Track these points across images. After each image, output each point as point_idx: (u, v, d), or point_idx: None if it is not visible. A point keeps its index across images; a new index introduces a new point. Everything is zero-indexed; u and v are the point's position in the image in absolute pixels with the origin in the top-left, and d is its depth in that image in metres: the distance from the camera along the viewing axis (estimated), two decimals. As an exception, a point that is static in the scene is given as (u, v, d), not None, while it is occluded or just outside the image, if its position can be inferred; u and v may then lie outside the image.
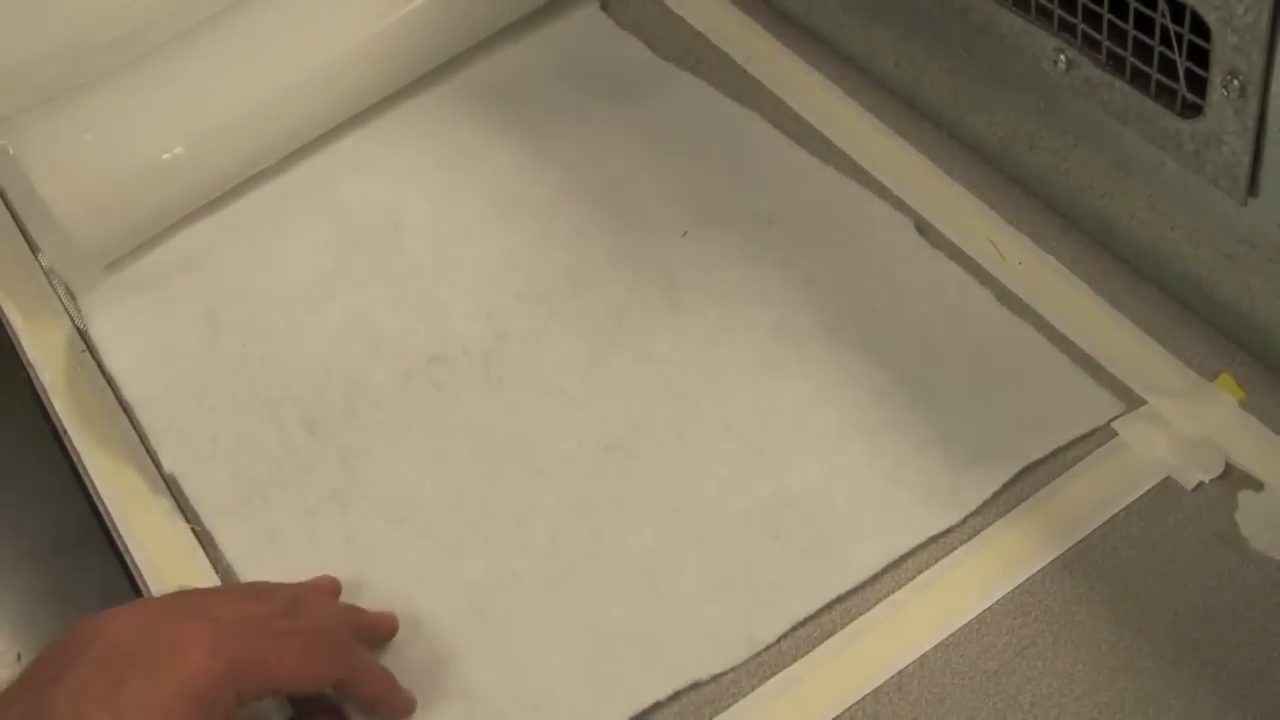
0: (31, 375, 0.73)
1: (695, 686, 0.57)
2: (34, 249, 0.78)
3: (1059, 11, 0.58)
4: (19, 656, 1.64)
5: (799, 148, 0.73)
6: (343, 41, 0.76)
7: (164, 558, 0.64)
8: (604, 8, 0.83)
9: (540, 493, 0.63)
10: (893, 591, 0.58)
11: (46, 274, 0.76)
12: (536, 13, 0.82)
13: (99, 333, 0.71)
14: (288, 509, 0.64)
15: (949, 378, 0.64)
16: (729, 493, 0.62)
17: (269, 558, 0.63)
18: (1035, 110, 0.65)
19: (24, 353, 0.74)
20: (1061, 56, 0.59)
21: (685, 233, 0.70)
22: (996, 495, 0.60)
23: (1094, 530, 0.59)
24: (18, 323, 0.75)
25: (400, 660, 0.59)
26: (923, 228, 0.69)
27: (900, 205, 0.70)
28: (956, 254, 0.68)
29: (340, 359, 0.68)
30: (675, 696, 0.57)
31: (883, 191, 0.71)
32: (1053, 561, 0.58)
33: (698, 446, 0.63)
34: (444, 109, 0.78)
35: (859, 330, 0.66)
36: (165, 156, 0.73)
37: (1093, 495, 0.59)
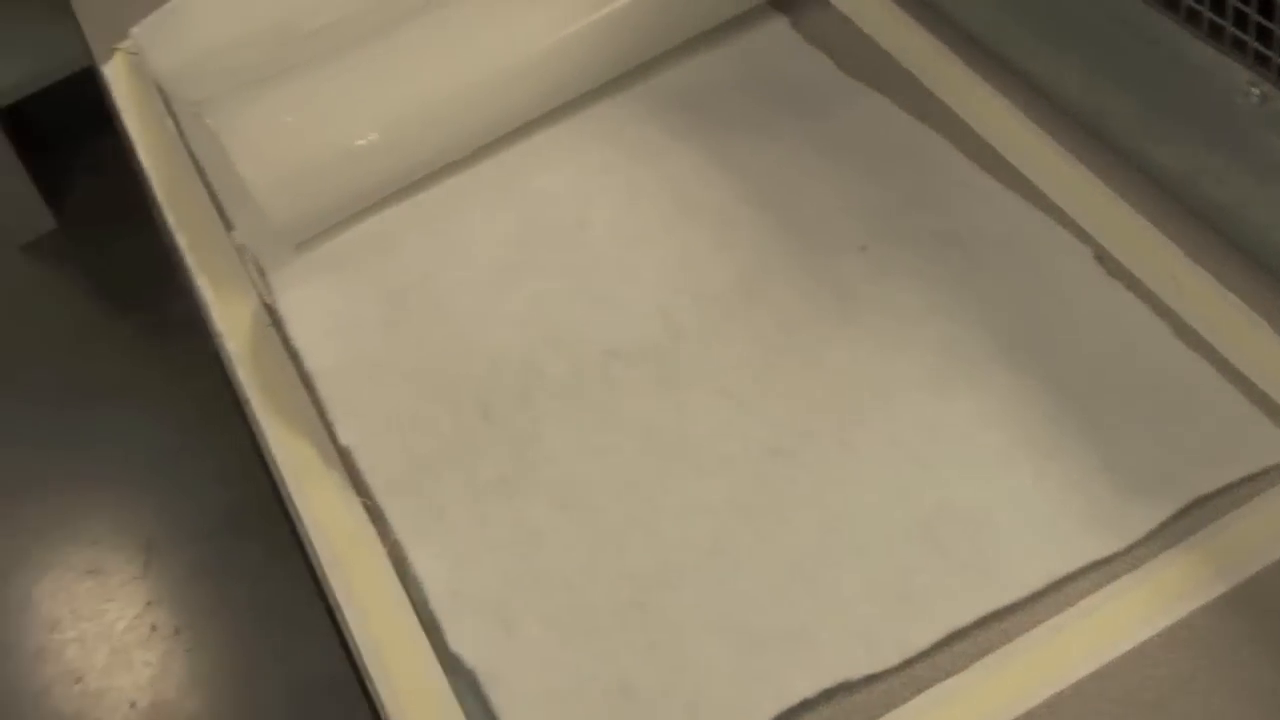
0: (219, 346, 0.76)
1: (846, 689, 0.57)
2: (228, 226, 0.80)
3: (1254, 44, 0.58)
4: (176, 630, 1.69)
5: (981, 171, 0.73)
6: (538, 41, 0.78)
7: (334, 530, 0.66)
8: (794, 24, 0.84)
9: (705, 491, 0.64)
10: (1052, 615, 0.58)
11: (238, 250, 0.79)
12: (726, 25, 0.83)
13: (285, 306, 0.73)
14: (457, 489, 0.65)
15: (1121, 407, 0.64)
16: (891, 502, 0.62)
17: (436, 535, 0.64)
18: (1224, 144, 0.65)
19: (213, 324, 0.76)
20: (1255, 90, 0.59)
21: (864, 247, 0.70)
22: (1163, 526, 0.60)
23: (1262, 569, 0.58)
24: (208, 295, 0.77)
25: (559, 653, 0.60)
26: (1102, 257, 0.69)
27: (1081, 234, 0.70)
28: (1135, 285, 0.68)
29: (518, 347, 0.69)
30: (827, 699, 0.57)
31: (1064, 219, 0.71)
32: (1218, 598, 0.58)
33: (863, 456, 0.64)
34: (631, 113, 0.79)
35: (1032, 354, 0.66)
36: (360, 143, 0.75)
37: (1263, 533, 0.59)
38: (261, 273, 0.77)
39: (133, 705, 1.62)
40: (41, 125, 2.13)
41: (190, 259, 0.79)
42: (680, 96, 0.80)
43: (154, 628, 1.69)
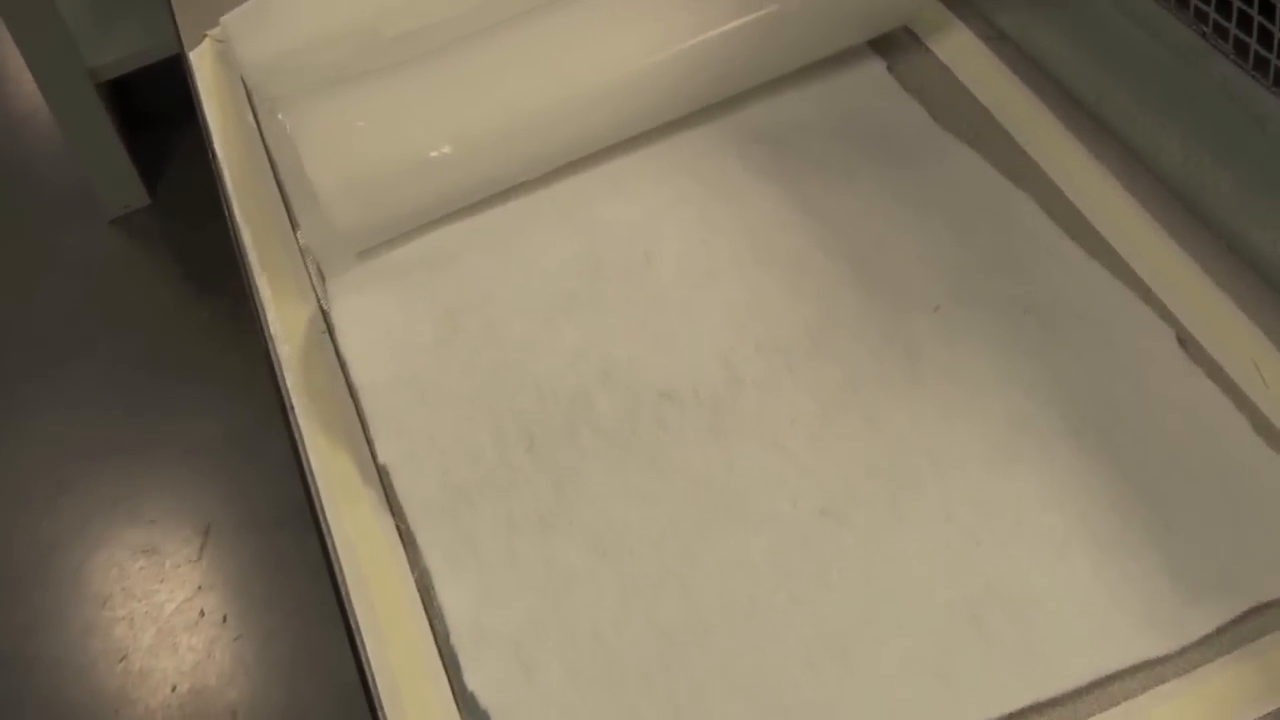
0: (271, 348, 0.74)
1: (872, 772, 0.55)
2: (294, 225, 0.79)
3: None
4: (224, 618, 1.69)
5: (1067, 237, 0.70)
6: (624, 66, 0.76)
7: (363, 549, 0.64)
8: (890, 68, 0.81)
9: (747, 548, 0.61)
10: (1094, 713, 0.55)
11: (301, 252, 0.77)
12: (821, 63, 0.80)
13: (339, 315, 0.72)
14: (493, 521, 0.63)
15: (1189, 501, 0.61)
16: (939, 579, 0.59)
17: (467, 568, 0.62)
18: (1326, 235, 0.62)
19: (268, 325, 0.75)
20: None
21: (937, 308, 0.68)
22: (1221, 631, 0.57)
23: (1322, 688, 0.55)
24: (266, 294, 0.76)
25: (578, 702, 0.58)
26: (1185, 340, 0.66)
27: (1164, 312, 0.67)
28: (1216, 372, 0.65)
29: (569, 379, 0.67)
30: (851, 780, 0.55)
31: (1148, 295, 0.68)
32: (1270, 714, 0.55)
33: (915, 527, 0.61)
34: (713, 147, 0.77)
35: (1102, 436, 0.63)
36: (432, 154, 0.73)
37: (1326, 650, 0.56)
38: (321, 277, 0.75)
39: (174, 689, 1.61)
40: (145, 102, 2.14)
41: (253, 256, 0.78)
42: (765, 133, 0.78)
43: (203, 613, 1.68)
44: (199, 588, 1.71)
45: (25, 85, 2.20)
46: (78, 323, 1.98)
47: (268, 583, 1.69)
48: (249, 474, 1.78)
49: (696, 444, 0.65)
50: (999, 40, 0.81)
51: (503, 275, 0.72)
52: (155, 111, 2.16)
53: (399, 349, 0.70)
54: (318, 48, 0.86)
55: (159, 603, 1.70)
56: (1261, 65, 0.62)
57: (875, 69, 0.81)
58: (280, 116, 0.75)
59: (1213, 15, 0.64)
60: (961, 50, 0.82)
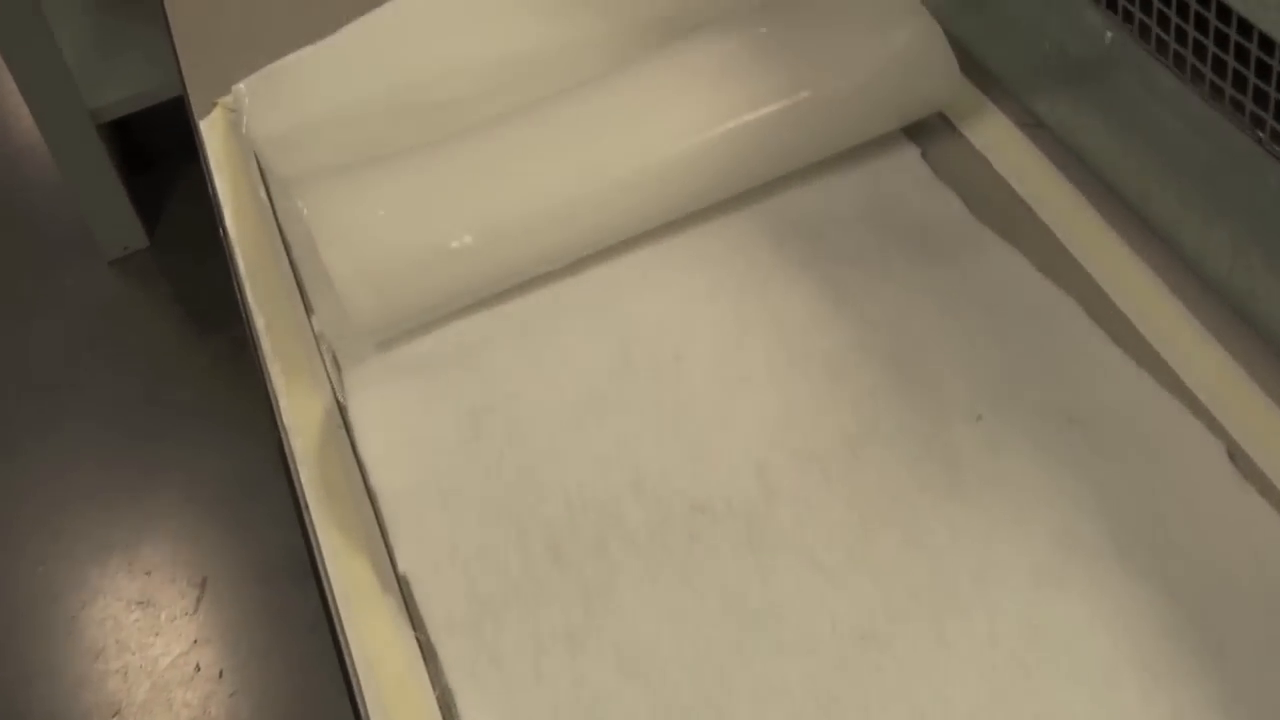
0: (285, 441, 0.72)
1: None
2: (308, 309, 0.77)
3: None
4: (220, 673, 1.66)
5: (1112, 343, 0.68)
6: (652, 153, 0.73)
7: (383, 661, 0.62)
8: (924, 154, 0.79)
9: (784, 673, 0.59)
10: None
11: (316, 339, 0.75)
12: (853, 149, 0.78)
13: (357, 412, 0.69)
14: (519, 638, 0.61)
15: (1244, 626, 0.58)
16: (984, 707, 0.57)
17: (491, 686, 0.60)
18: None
19: (280, 415, 0.73)
20: None
21: (979, 417, 0.65)
22: (1281, 773, 0.54)
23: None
24: (280, 383, 0.74)
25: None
26: (1236, 455, 0.64)
27: (1213, 424, 0.65)
28: (1269, 490, 0.63)
29: (598, 488, 0.65)
30: None
31: (1195, 405, 0.66)
32: None
33: (959, 653, 0.59)
34: (744, 237, 0.75)
35: (1152, 557, 0.61)
36: (454, 244, 0.71)
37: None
38: (337, 367, 0.73)
39: (168, 747, 1.59)
40: (144, 141, 2.12)
41: (266, 343, 0.76)
42: (797, 223, 0.76)
43: (198, 668, 1.65)
44: (195, 641, 1.68)
45: (24, 123, 2.17)
46: (75, 365, 1.96)
47: (265, 637, 1.66)
48: (247, 524, 1.76)
49: (731, 559, 0.62)
50: (1037, 128, 0.79)
51: (528, 373, 0.70)
52: (154, 151, 2.14)
53: (420, 452, 0.67)
54: (335, 124, 0.85)
55: (154, 656, 1.67)
56: (1321, 176, 0.60)
57: (909, 156, 0.79)
58: (297, 200, 0.73)
59: (1270, 122, 0.61)
60: (998, 138, 0.79)
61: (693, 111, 0.74)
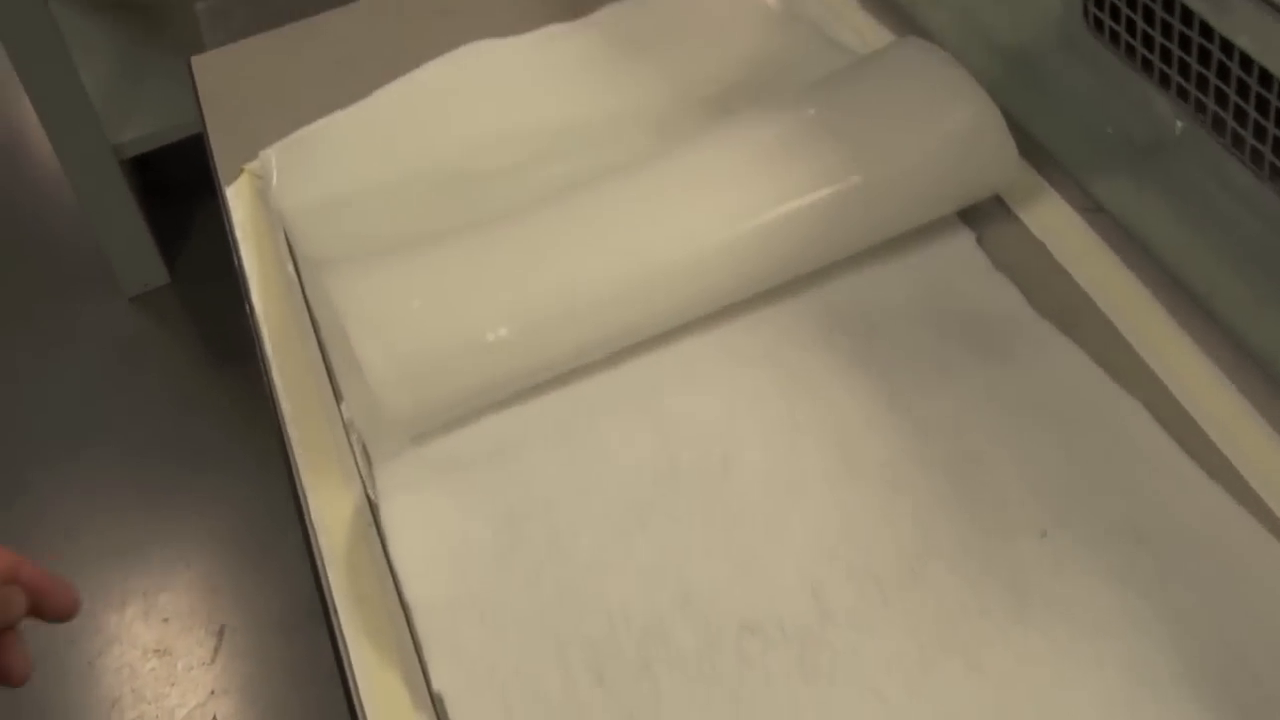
0: (311, 536, 0.69)
1: None
2: (337, 396, 0.74)
3: None
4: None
5: (1181, 451, 0.65)
6: (697, 241, 0.70)
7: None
8: (980, 240, 0.76)
9: (840, 813, 0.56)
10: None
11: (345, 427, 0.72)
12: (905, 235, 0.75)
13: (390, 518, 0.66)
14: (559, 766, 0.58)
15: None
16: None
17: (530, 818, 0.57)
18: None
19: (308, 510, 0.70)
20: None
21: (1044, 534, 0.62)
22: None
23: None
24: (307, 477, 0.71)
25: None
26: (1316, 575, 0.60)
27: (1291, 543, 0.62)
28: (1353, 614, 0.59)
29: (643, 605, 0.62)
30: None
31: (1270, 520, 0.62)
32: None
33: (1026, 793, 0.55)
34: (792, 330, 0.72)
35: (1227, 688, 0.57)
36: (490, 337, 0.68)
37: None
38: (368, 460, 0.70)
39: (182, 803, 1.56)
40: (165, 176, 2.09)
41: (293, 432, 0.73)
42: (849, 314, 0.72)
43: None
44: (211, 692, 1.65)
45: (45, 156, 2.15)
46: (93, 405, 1.93)
47: (284, 689, 1.63)
48: (266, 572, 1.73)
49: (784, 685, 0.59)
50: (1097, 213, 0.76)
51: (569, 476, 0.66)
52: (176, 186, 2.11)
53: (456, 561, 0.64)
54: (363, 193, 0.82)
55: (170, 707, 1.64)
56: None
57: (964, 242, 0.76)
58: (328, 286, 0.70)
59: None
60: (1056, 223, 0.76)
61: (740, 197, 0.71)
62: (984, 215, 0.77)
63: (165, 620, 1.72)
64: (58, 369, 1.97)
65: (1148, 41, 0.67)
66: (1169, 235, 0.71)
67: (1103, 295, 0.72)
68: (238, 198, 0.87)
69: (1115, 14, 0.68)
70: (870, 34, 0.90)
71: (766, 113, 0.75)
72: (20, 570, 0.61)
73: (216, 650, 1.68)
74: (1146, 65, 0.68)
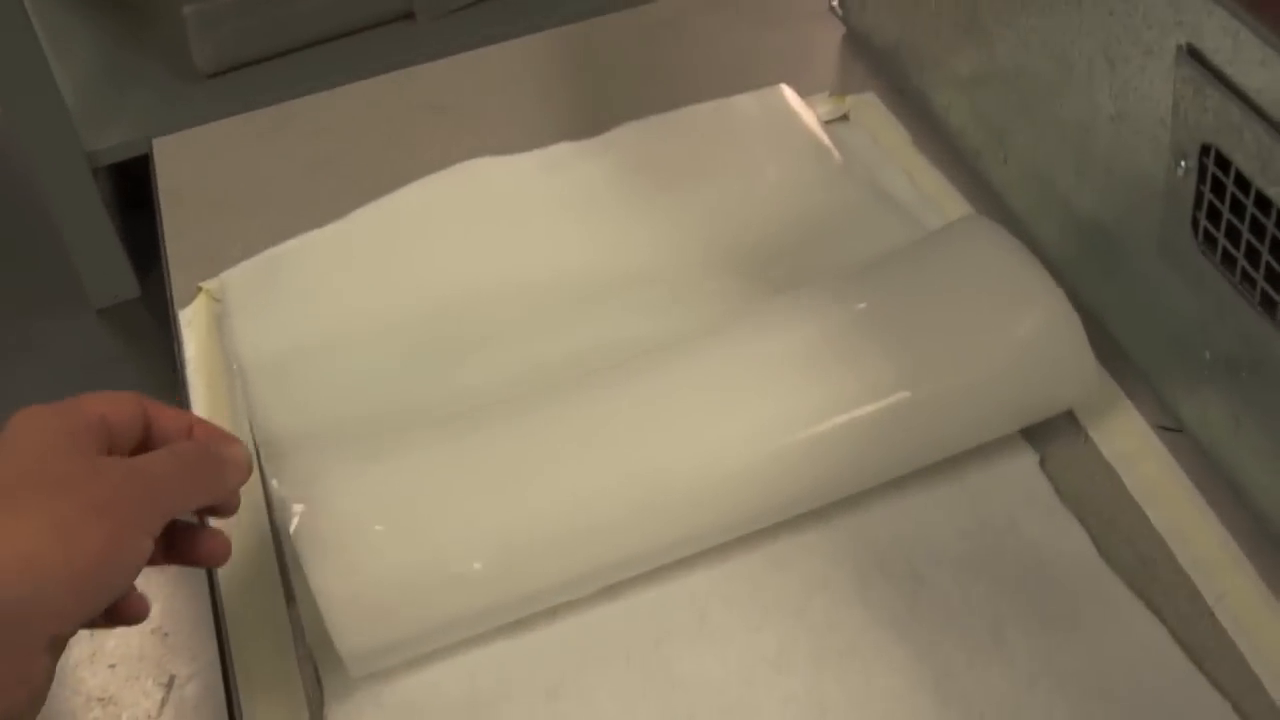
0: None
1: None
2: (289, 598, 0.63)
3: None
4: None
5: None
6: (714, 459, 0.60)
7: None
8: (1043, 463, 0.65)
9: None
10: None
11: (295, 636, 0.62)
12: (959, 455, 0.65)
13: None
14: None
15: None
16: None
17: None
18: None
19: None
20: None
21: None
22: None
23: None
24: (248, 702, 0.60)
25: None
26: None
27: None
28: None
29: None
30: None
31: None
32: None
33: None
34: (823, 574, 0.61)
35: None
36: (458, 570, 0.57)
37: None
38: (319, 684, 0.60)
39: None
40: (138, 186, 1.98)
41: (234, 630, 0.62)
42: (892, 557, 0.62)
43: (159, 780, 1.52)
44: (157, 750, 1.55)
45: (12, 160, 2.04)
46: (52, 423, 1.82)
47: (233, 754, 1.53)
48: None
49: None
50: (1178, 434, 0.66)
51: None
52: (148, 196, 2.00)
53: None
54: (328, 349, 0.71)
55: (111, 764, 1.54)
56: None
57: (1025, 465, 0.65)
58: (285, 496, 0.59)
59: None
60: (1131, 446, 0.66)
61: (764, 412, 0.61)
62: (1049, 431, 0.66)
63: (111, 667, 1.62)
64: (18, 383, 1.87)
65: (1273, 278, 0.56)
66: (1269, 484, 0.61)
67: (1182, 543, 0.62)
68: (191, 327, 0.77)
69: (1233, 236, 0.58)
70: (930, 185, 0.80)
71: (803, 303, 0.65)
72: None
73: (163, 703, 1.58)
74: (1268, 302, 0.57)
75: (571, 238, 0.76)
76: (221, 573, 0.65)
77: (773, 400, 0.61)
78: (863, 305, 0.64)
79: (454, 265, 0.75)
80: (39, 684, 0.46)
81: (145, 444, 0.54)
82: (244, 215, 0.81)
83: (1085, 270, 0.70)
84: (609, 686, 0.58)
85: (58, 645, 0.47)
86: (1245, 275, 0.58)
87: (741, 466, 0.60)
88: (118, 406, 0.53)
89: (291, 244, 0.77)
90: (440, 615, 0.58)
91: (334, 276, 0.75)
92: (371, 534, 0.58)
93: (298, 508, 0.58)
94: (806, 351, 0.62)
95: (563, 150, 0.82)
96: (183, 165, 0.87)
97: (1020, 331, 0.63)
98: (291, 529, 0.58)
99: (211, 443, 0.55)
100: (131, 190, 1.97)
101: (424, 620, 0.58)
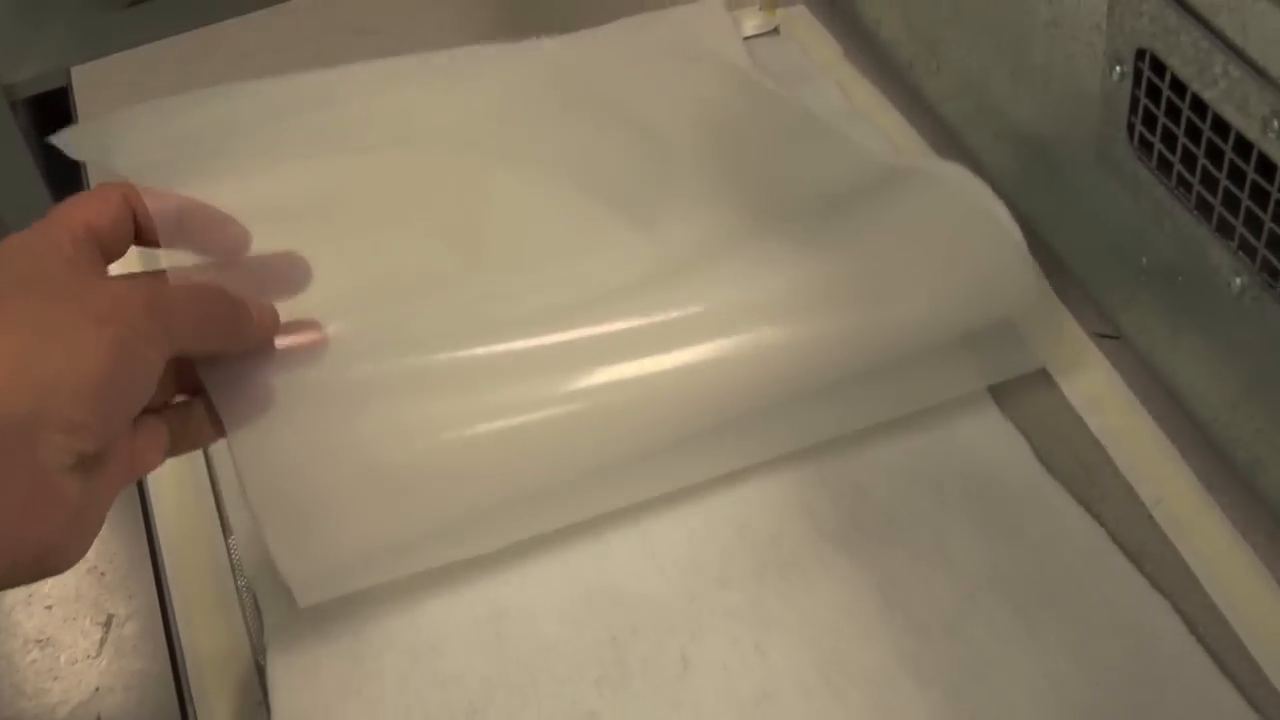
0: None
1: None
2: (226, 530, 0.63)
3: None
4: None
5: (1222, 678, 0.54)
6: (648, 387, 0.59)
7: None
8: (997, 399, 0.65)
9: None
10: None
11: (234, 568, 0.61)
12: (897, 366, 0.64)
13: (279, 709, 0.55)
14: None
15: None
16: None
17: None
18: None
19: (187, 680, 0.59)
20: None
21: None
22: None
23: None
24: (186, 635, 0.60)
25: None
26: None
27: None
28: None
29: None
30: None
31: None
32: None
33: None
34: (764, 483, 0.61)
35: None
36: (400, 482, 0.56)
37: None
38: (259, 613, 0.59)
39: (60, 816, 1.45)
40: (65, 122, 1.94)
41: (170, 560, 0.62)
42: (830, 464, 0.62)
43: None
44: (96, 689, 1.54)
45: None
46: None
47: (172, 688, 1.52)
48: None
49: None
50: (1117, 341, 0.66)
51: (499, 676, 0.56)
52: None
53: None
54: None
55: (50, 705, 1.53)
56: None
57: (967, 375, 0.65)
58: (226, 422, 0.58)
59: None
60: (1070, 355, 0.67)
61: (704, 322, 0.60)
62: (991, 342, 0.66)
63: (48, 608, 1.60)
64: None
65: (1209, 182, 0.56)
66: (1207, 390, 0.61)
67: (1121, 450, 0.62)
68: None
69: (1169, 141, 0.58)
70: (861, 98, 0.80)
71: (750, 222, 0.64)
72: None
73: (103, 642, 1.57)
74: (1204, 206, 0.57)
75: (492, 149, 0.74)
76: (157, 508, 0.65)
77: (711, 310, 0.60)
78: (804, 226, 0.63)
79: (363, 158, 0.72)
80: (71, 508, 0.43)
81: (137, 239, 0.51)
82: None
83: (1021, 181, 0.70)
84: (551, 612, 0.58)
85: (88, 465, 0.44)
86: (1181, 180, 0.58)
87: (685, 378, 0.59)
88: (101, 207, 0.49)
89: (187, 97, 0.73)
90: (382, 532, 0.57)
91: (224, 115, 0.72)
92: (315, 450, 0.56)
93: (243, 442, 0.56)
94: (746, 268, 0.62)
95: (488, 54, 0.79)
96: (103, 94, 0.85)
97: (961, 241, 0.63)
98: (232, 442, 0.56)
99: (235, 294, 0.51)
100: (52, 122, 1.93)
101: (366, 538, 0.57)
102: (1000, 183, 0.65)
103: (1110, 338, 0.66)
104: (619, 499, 0.60)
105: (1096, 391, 0.64)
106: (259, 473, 0.55)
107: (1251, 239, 0.54)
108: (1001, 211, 0.63)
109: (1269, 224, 0.53)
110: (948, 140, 0.69)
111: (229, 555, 0.62)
